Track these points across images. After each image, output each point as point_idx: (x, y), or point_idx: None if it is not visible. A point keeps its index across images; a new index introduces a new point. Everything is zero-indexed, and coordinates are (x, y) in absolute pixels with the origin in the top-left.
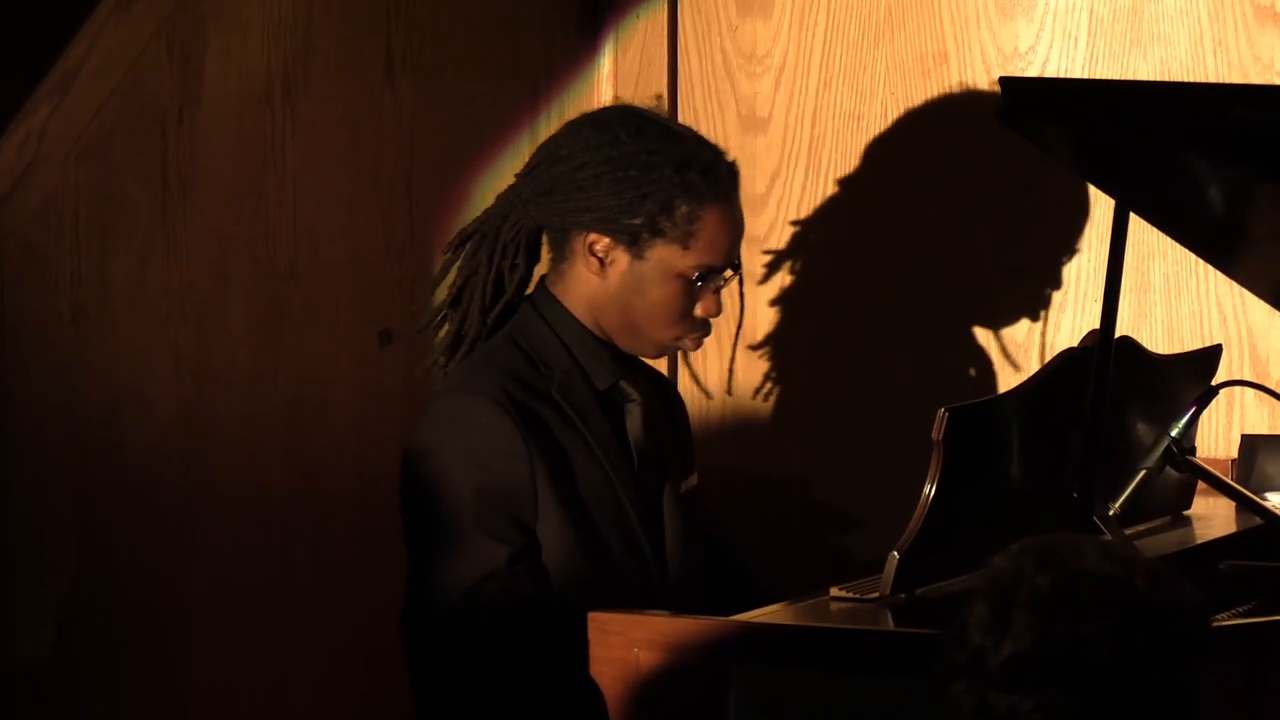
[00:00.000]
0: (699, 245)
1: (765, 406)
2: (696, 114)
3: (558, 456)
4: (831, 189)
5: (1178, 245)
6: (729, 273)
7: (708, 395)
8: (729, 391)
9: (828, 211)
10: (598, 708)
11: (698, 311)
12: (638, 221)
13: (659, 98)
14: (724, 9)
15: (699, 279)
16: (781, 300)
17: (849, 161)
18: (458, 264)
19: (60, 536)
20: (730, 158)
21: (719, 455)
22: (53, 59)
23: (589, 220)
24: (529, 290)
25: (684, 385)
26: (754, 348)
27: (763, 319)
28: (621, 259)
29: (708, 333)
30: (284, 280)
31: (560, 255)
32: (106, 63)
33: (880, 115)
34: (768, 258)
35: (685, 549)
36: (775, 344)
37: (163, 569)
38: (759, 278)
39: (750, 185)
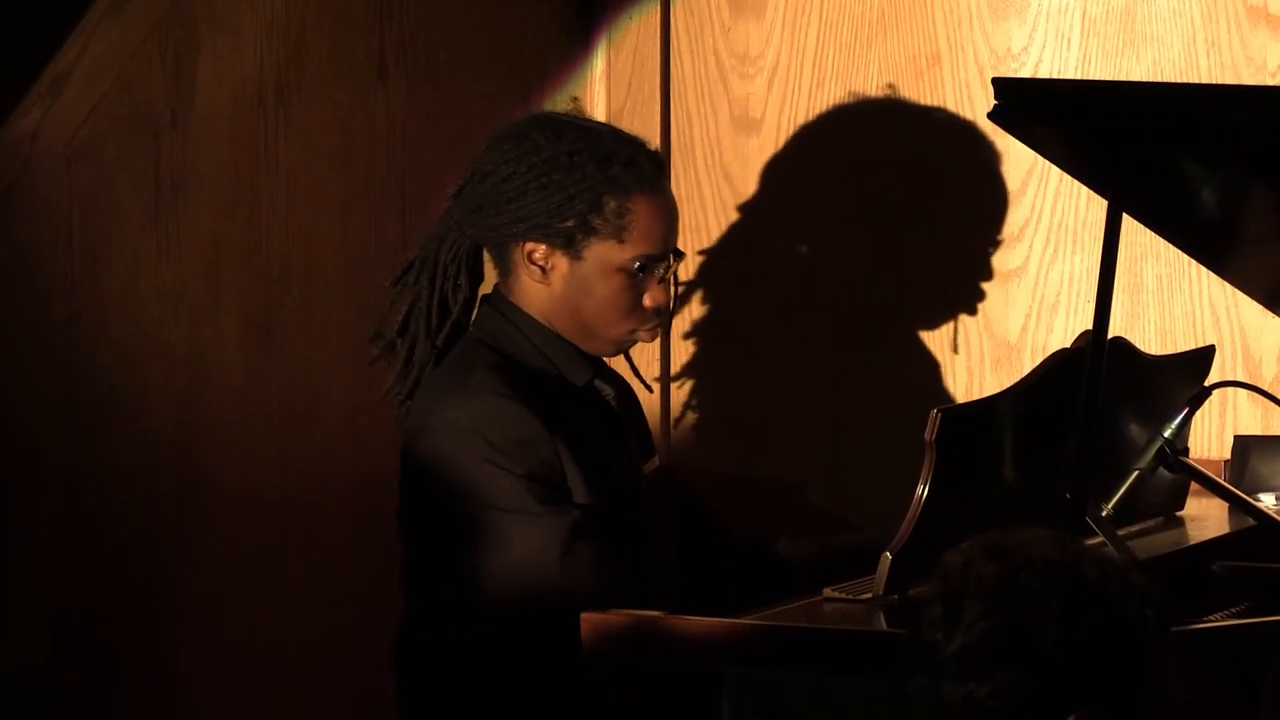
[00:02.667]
0: (634, 237)
1: (758, 408)
2: (689, 115)
3: (571, 438)
4: (824, 190)
5: (1170, 246)
6: (670, 260)
7: (699, 397)
8: (721, 393)
9: (820, 213)
10: (593, 708)
11: (646, 303)
12: (570, 223)
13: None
14: (717, 10)
15: (640, 270)
16: (774, 301)
17: (842, 163)
18: (402, 294)
19: (54, 539)
20: (652, 147)
21: (712, 457)
22: (45, 62)
23: (523, 230)
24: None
25: (679, 387)
26: (746, 349)
27: (755, 320)
28: (561, 263)
29: (660, 322)
30: (276, 283)
31: (504, 269)
32: (99, 66)
33: (873, 116)
34: (760, 259)
35: (662, 525)
36: (767, 345)
37: (156, 571)
38: (752, 279)
39: (743, 186)
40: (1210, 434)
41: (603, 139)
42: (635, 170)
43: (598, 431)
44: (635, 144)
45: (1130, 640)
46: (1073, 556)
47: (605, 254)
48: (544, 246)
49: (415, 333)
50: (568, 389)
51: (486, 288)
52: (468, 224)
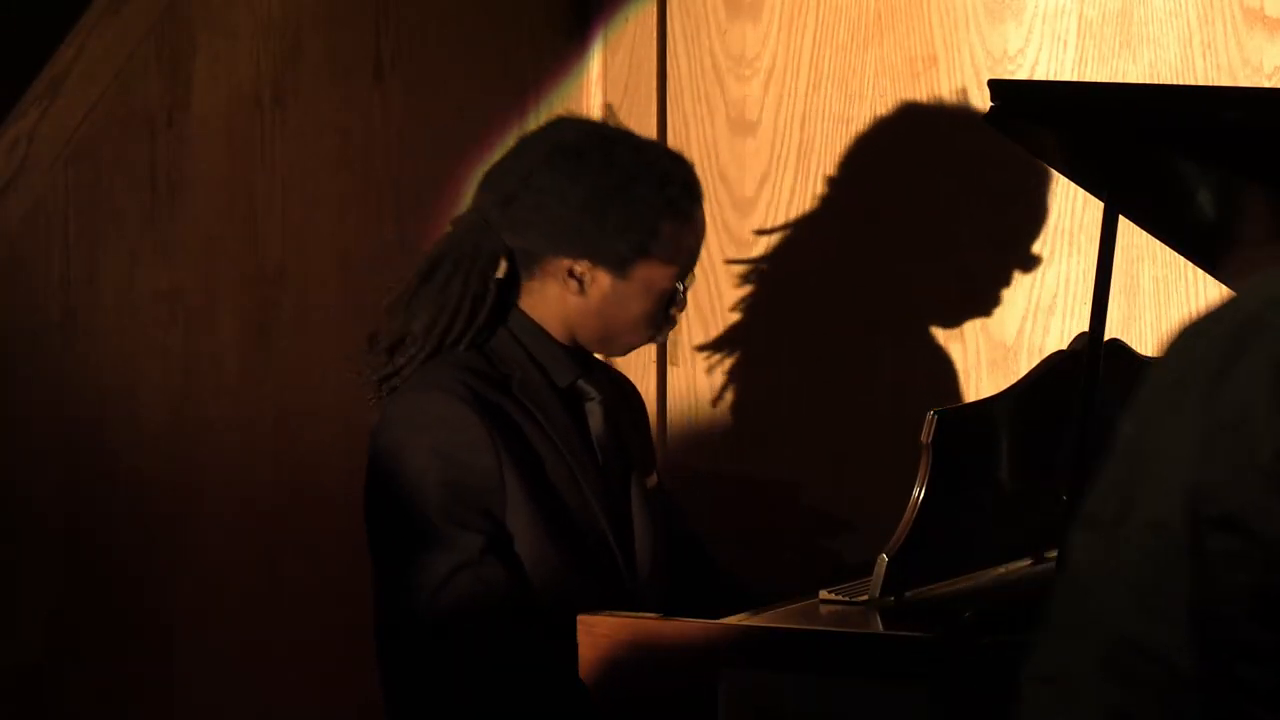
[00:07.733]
0: (680, 257)
1: (754, 409)
2: (685, 117)
3: (523, 450)
4: (820, 192)
5: (1167, 248)
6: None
7: (695, 398)
8: (718, 394)
9: (816, 214)
10: (584, 707)
11: (672, 312)
12: (622, 249)
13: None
14: (713, 11)
15: (678, 283)
16: (770, 303)
17: (838, 164)
18: (427, 292)
19: (49, 540)
20: (687, 157)
21: (708, 458)
22: (42, 63)
23: (574, 250)
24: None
25: (675, 387)
26: (742, 350)
27: (751, 321)
28: (604, 279)
29: (674, 325)
30: (273, 283)
31: (529, 274)
32: (95, 66)
33: (870, 118)
34: (756, 261)
35: (653, 544)
36: (763, 346)
37: (152, 572)
38: (748, 280)
39: (739, 188)
40: None
41: (658, 160)
42: (688, 192)
43: (568, 439)
44: (683, 162)
45: None
46: None
47: (653, 275)
48: (588, 263)
49: (442, 334)
50: (547, 393)
51: None
52: (509, 235)
